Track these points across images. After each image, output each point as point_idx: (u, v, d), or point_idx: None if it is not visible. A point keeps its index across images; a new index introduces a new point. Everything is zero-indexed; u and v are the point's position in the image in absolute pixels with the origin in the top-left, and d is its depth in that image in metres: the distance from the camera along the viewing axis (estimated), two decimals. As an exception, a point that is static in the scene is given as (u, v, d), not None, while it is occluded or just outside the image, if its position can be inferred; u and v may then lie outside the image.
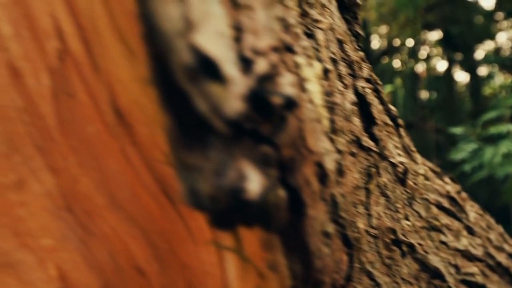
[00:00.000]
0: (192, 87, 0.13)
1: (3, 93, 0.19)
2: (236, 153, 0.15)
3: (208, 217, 0.16)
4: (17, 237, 0.20)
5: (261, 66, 0.16)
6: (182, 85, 0.13)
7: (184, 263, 0.22)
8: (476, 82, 3.93)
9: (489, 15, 3.63)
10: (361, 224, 0.29)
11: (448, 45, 3.93)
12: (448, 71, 4.10)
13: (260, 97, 0.15)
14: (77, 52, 0.19)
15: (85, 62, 0.20)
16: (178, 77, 0.13)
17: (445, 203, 0.47)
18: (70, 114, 0.20)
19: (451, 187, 0.50)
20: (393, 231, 0.34)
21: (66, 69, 0.20)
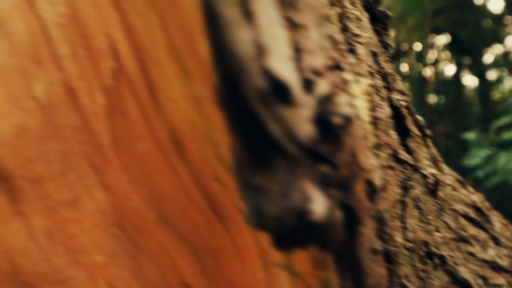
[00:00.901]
0: (265, 111, 0.13)
1: (60, 112, 0.20)
2: (299, 174, 0.16)
3: (270, 238, 0.16)
4: (69, 253, 0.21)
5: (322, 87, 0.16)
6: (255, 109, 0.13)
7: (231, 279, 0.22)
8: (485, 86, 3.91)
9: (497, 19, 3.61)
10: (398, 237, 0.29)
11: (456, 49, 3.92)
12: (457, 75, 4.08)
13: (324, 118, 0.15)
14: (131, 71, 0.20)
15: (139, 81, 0.20)
16: (250, 101, 0.13)
17: (472, 213, 0.47)
18: (123, 132, 0.20)
19: (476, 197, 0.50)
20: (426, 244, 0.34)
21: (119, 88, 0.20)
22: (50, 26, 0.19)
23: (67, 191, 0.20)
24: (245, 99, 0.13)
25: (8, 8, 0.18)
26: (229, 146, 0.15)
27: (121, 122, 0.20)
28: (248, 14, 0.14)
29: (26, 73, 0.19)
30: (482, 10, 3.63)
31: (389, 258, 0.26)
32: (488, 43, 3.68)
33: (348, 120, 0.17)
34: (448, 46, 3.94)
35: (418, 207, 0.34)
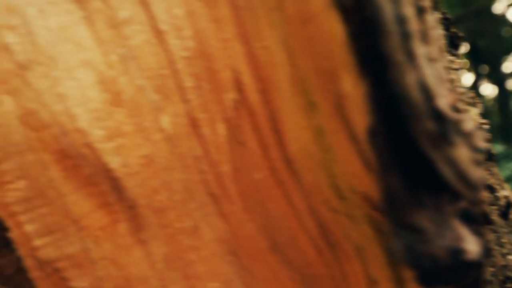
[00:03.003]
0: (436, 153, 0.14)
1: (183, 143, 0.20)
2: (447, 211, 0.16)
3: (417, 275, 0.16)
4: (186, 280, 0.21)
5: (469, 124, 0.16)
6: (425, 151, 0.14)
7: (340, 307, 0.22)
8: (504, 95, 3.85)
9: (517, 28, 3.56)
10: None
11: (475, 58, 3.88)
12: (475, 84, 4.03)
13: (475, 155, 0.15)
14: (253, 103, 0.20)
15: (260, 112, 0.20)
16: (420, 142, 0.14)
17: (533, 233, 0.46)
18: (240, 161, 0.21)
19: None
20: (504, 268, 0.34)
21: (239, 118, 0.20)
22: (177, 60, 0.20)
23: (188, 219, 0.20)
24: (413, 141, 0.14)
25: (141, 43, 0.19)
26: (380, 184, 0.15)
27: (239, 151, 0.21)
28: (410, 56, 0.14)
29: (154, 105, 0.19)
30: (501, 19, 3.59)
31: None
32: (507, 52, 3.64)
33: (484, 153, 0.17)
34: (466, 55, 3.90)
35: (495, 231, 0.34)
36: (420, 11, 0.17)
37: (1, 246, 0.28)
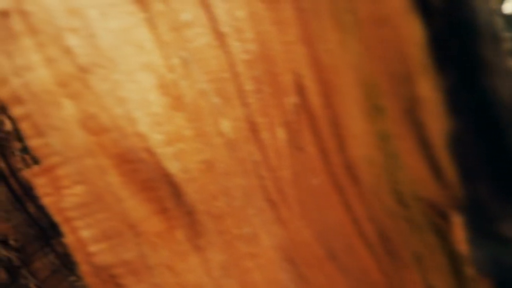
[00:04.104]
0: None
1: (243, 147, 0.20)
2: (530, 220, 0.15)
3: (495, 286, 0.16)
4: (243, 288, 0.21)
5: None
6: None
7: (397, 316, 0.22)
8: None
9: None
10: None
11: (483, 59, 3.85)
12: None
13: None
14: (315, 107, 0.20)
15: (321, 116, 0.20)
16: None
17: None
18: (299, 166, 0.20)
19: None
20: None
21: (299, 123, 0.20)
22: (237, 63, 0.19)
23: (246, 226, 0.20)
24: (509, 148, 0.13)
25: (202, 46, 0.19)
26: (463, 192, 0.15)
27: (298, 156, 0.20)
28: (501, 58, 0.14)
29: (215, 109, 0.19)
30: (511, 19, 3.57)
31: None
32: (516, 53, 3.61)
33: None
34: (475, 56, 3.87)
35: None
36: (491, 14, 0.17)
37: (36, 249, 0.28)
